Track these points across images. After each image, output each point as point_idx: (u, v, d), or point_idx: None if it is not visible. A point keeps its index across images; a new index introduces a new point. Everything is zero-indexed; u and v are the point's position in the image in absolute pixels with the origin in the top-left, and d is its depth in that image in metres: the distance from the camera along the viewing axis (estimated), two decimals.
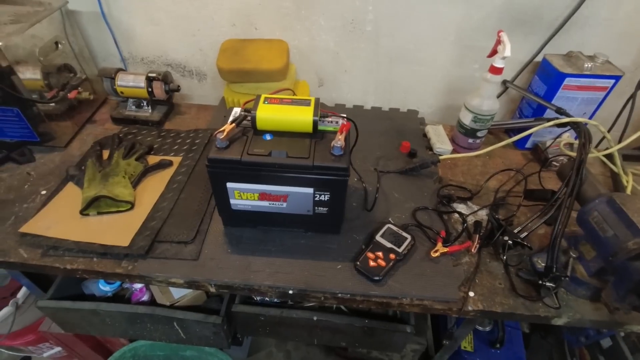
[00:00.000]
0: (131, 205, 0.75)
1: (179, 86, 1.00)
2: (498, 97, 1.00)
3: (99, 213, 0.73)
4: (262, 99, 0.64)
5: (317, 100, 0.64)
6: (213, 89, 1.13)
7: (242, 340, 0.95)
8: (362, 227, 0.74)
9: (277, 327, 0.83)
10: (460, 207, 0.80)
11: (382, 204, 0.80)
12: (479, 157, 0.92)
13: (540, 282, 0.62)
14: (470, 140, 0.92)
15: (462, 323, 0.83)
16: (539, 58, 0.95)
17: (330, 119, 0.65)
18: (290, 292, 0.65)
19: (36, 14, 0.86)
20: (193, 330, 0.84)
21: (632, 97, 0.91)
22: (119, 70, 0.96)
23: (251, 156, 0.59)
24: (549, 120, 0.81)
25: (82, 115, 1.00)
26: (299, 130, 0.63)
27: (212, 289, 0.67)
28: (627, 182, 0.83)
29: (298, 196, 0.64)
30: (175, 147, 0.92)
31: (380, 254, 0.67)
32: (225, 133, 0.60)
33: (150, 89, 0.96)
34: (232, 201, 0.66)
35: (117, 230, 0.71)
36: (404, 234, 0.71)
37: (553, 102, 0.87)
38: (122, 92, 0.96)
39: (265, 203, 0.65)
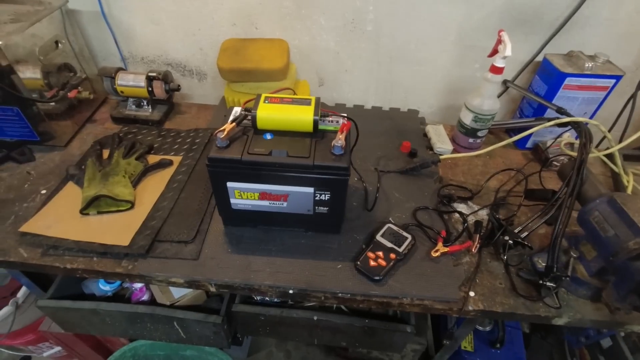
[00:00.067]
0: (131, 204, 0.75)
1: (179, 86, 1.00)
2: (499, 96, 1.00)
3: (99, 212, 0.73)
4: (262, 99, 0.63)
5: (317, 100, 0.64)
6: (213, 89, 1.13)
7: (242, 340, 0.95)
8: (363, 227, 0.74)
9: (277, 326, 0.83)
10: (461, 207, 0.80)
11: (383, 203, 0.80)
12: (479, 156, 0.92)
13: (541, 282, 0.62)
14: (471, 140, 0.92)
15: (463, 323, 0.83)
16: (539, 58, 0.95)
17: (330, 119, 0.65)
18: (291, 291, 0.65)
19: (36, 13, 0.86)
20: (193, 330, 0.84)
21: (633, 96, 0.91)
22: (119, 69, 0.96)
23: (251, 155, 0.59)
24: (549, 120, 0.81)
25: (82, 115, 1.00)
26: (299, 129, 0.63)
27: (212, 289, 0.67)
28: (628, 182, 0.82)
29: (298, 196, 0.63)
30: (176, 146, 0.92)
31: (380, 253, 0.67)
32: (225, 132, 0.60)
33: (150, 89, 0.96)
34: (232, 201, 0.66)
35: (117, 229, 0.70)
36: (405, 234, 0.71)
37: (554, 101, 0.87)
38: (122, 92, 0.96)
39: (265, 202, 0.65)
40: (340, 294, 0.65)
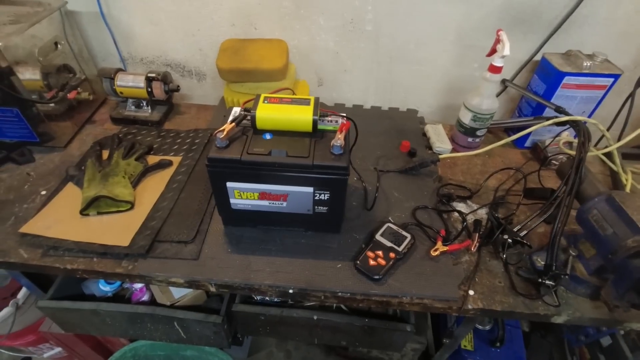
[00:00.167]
0: (131, 205, 0.75)
1: (178, 86, 1.00)
2: (497, 96, 1.00)
3: (99, 213, 0.73)
4: (261, 99, 0.64)
5: (316, 100, 0.64)
6: (213, 89, 1.13)
7: (242, 340, 0.95)
8: (362, 227, 0.74)
9: (278, 326, 0.84)
10: (460, 206, 0.80)
11: (382, 203, 0.80)
12: (478, 156, 0.92)
13: (540, 280, 0.62)
14: (470, 139, 0.92)
15: (462, 322, 0.83)
16: (538, 57, 0.95)
17: (329, 118, 0.65)
18: (291, 291, 0.65)
19: (36, 14, 0.86)
20: (193, 330, 0.84)
21: (631, 95, 0.91)
22: (118, 70, 0.96)
23: (251, 155, 0.59)
24: (548, 119, 0.81)
25: (81, 116, 1.00)
26: (298, 129, 0.63)
27: (213, 289, 0.67)
28: (627, 180, 0.83)
29: (298, 195, 0.64)
30: (175, 147, 0.92)
31: (380, 253, 0.68)
32: (225, 132, 0.60)
33: (149, 89, 0.96)
34: (232, 201, 0.66)
35: (117, 230, 0.71)
36: (404, 233, 0.71)
37: (552, 100, 0.88)
38: (121, 93, 0.96)
39: (265, 202, 0.66)
40: (340, 293, 0.65)
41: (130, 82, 0.95)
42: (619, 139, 0.87)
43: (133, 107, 1.00)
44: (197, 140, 0.93)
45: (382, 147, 0.94)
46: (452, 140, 0.96)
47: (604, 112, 0.91)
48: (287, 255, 0.69)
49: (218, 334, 0.82)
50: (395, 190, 0.83)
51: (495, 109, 0.86)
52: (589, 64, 0.83)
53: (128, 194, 0.76)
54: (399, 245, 0.69)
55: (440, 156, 0.86)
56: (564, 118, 0.79)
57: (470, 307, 0.63)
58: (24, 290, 1.11)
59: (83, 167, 0.81)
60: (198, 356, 1.09)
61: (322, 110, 0.64)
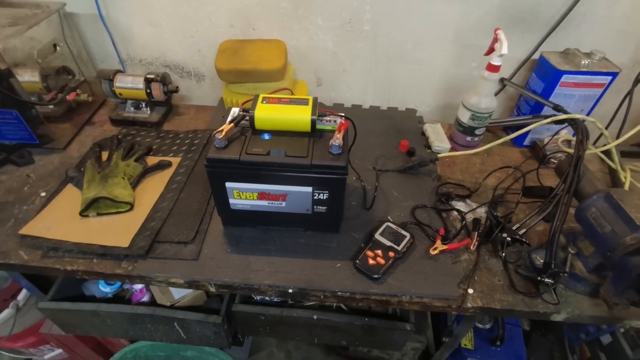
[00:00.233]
0: (130, 206, 0.75)
1: (177, 87, 1.00)
2: (496, 94, 1.00)
3: (99, 214, 0.73)
4: (260, 99, 0.64)
5: (315, 100, 0.64)
6: (211, 90, 1.14)
7: (242, 340, 0.96)
8: (361, 226, 0.75)
9: (278, 326, 0.84)
10: (459, 205, 0.80)
11: (381, 202, 0.80)
12: (477, 154, 0.92)
13: (539, 278, 0.62)
14: (469, 138, 0.92)
15: (462, 320, 0.83)
16: (536, 55, 0.95)
17: (328, 118, 0.65)
18: (290, 291, 0.66)
19: (34, 16, 0.86)
20: (193, 330, 0.84)
21: (630, 93, 0.91)
22: (117, 71, 0.96)
23: (250, 156, 0.59)
24: (546, 117, 0.81)
25: (80, 117, 1.00)
26: (297, 129, 0.63)
27: (212, 289, 0.68)
28: (625, 178, 0.83)
29: (297, 195, 0.64)
30: (174, 147, 0.92)
31: (379, 252, 0.68)
32: (223, 133, 0.60)
33: (148, 90, 0.96)
34: (231, 201, 0.66)
35: (117, 231, 0.71)
36: (403, 232, 0.71)
37: (550, 99, 0.88)
38: (120, 94, 0.97)
39: (264, 202, 0.66)
40: (339, 293, 0.65)
41: (129, 83, 0.95)
42: (617, 137, 0.87)
43: (132, 109, 1.00)
44: (196, 141, 0.94)
45: (381, 147, 0.94)
46: (451, 139, 0.96)
47: (603, 110, 0.92)
48: (287, 255, 0.69)
49: (218, 334, 0.83)
50: (394, 189, 0.83)
51: (493, 107, 0.87)
52: (587, 62, 0.83)
53: (127, 195, 0.76)
54: (398, 245, 0.69)
55: (439, 155, 0.86)
56: (563, 116, 0.79)
57: (469, 305, 0.63)
58: (24, 292, 1.11)
59: (82, 169, 0.81)
60: (198, 356, 1.09)
61: (320, 110, 0.64)
